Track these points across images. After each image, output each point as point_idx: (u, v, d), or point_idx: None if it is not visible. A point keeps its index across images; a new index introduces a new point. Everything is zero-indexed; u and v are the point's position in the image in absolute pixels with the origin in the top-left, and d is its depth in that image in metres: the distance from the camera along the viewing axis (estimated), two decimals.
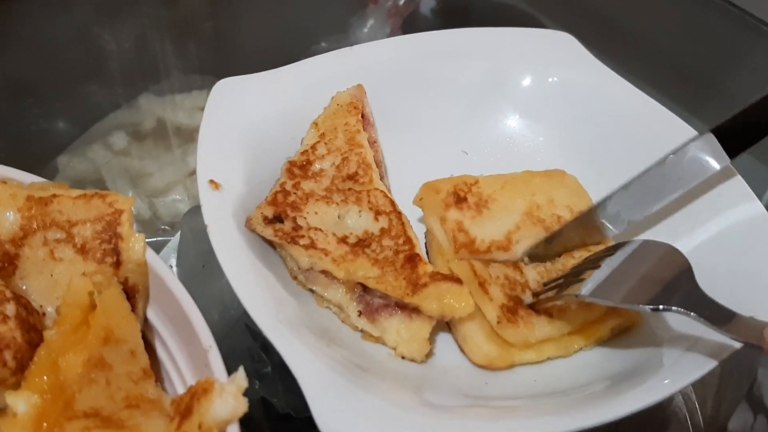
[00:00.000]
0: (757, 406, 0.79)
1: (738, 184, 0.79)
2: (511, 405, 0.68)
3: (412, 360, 0.71)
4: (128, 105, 1.09)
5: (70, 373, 0.56)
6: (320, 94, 0.85)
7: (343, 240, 0.75)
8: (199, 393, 0.54)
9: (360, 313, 0.73)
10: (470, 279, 0.74)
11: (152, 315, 0.65)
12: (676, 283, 0.66)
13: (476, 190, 0.80)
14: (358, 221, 0.77)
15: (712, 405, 0.82)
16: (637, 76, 0.92)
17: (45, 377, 0.56)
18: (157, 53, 1.13)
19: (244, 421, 0.55)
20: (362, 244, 0.75)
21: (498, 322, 0.71)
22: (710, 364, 0.63)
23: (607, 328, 0.73)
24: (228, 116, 0.80)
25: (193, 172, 1.00)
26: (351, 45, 0.90)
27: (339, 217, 0.77)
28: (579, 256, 0.78)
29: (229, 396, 0.53)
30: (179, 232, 0.91)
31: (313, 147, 0.81)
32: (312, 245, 0.74)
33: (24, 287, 0.63)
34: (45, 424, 0.54)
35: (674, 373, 0.64)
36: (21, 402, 0.54)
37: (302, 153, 0.81)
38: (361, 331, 0.74)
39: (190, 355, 0.61)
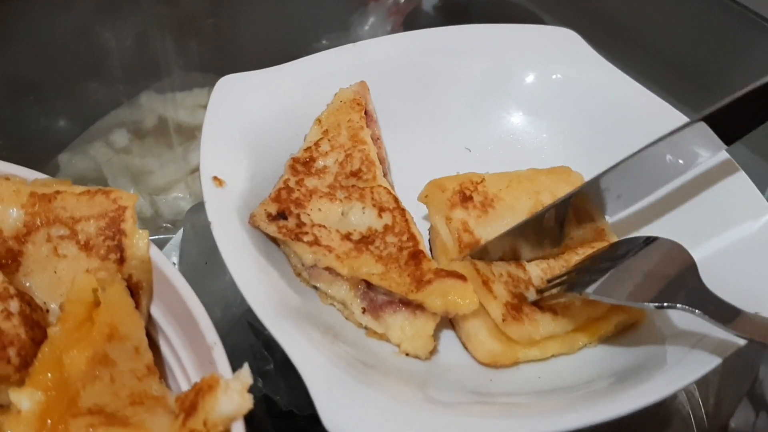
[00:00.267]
0: (759, 403, 0.79)
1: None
2: (515, 402, 0.68)
3: (416, 357, 0.71)
4: (129, 103, 1.09)
5: (74, 370, 0.56)
6: (323, 91, 0.85)
7: (347, 237, 0.75)
8: (204, 390, 0.54)
9: (364, 310, 0.73)
10: (474, 277, 0.73)
11: (156, 312, 0.64)
12: (681, 280, 0.65)
13: (482, 189, 0.80)
14: (362, 218, 0.77)
15: (714, 402, 0.82)
16: (639, 73, 0.92)
17: (49, 374, 0.56)
18: (158, 51, 1.13)
19: (247, 419, 0.55)
20: (366, 240, 0.75)
21: (503, 320, 0.71)
22: (714, 362, 0.63)
23: (611, 325, 0.73)
24: (230, 113, 0.80)
25: (195, 170, 1.01)
26: (352, 42, 0.90)
27: (342, 213, 0.77)
28: (582, 252, 0.78)
29: (234, 393, 0.53)
30: (181, 230, 0.91)
31: (317, 144, 0.81)
32: (316, 242, 0.73)
33: (27, 284, 0.62)
34: (49, 421, 0.54)
35: (678, 371, 0.64)
36: (25, 399, 0.54)
37: (305, 150, 0.81)
38: (365, 327, 0.74)
39: (195, 352, 0.61)
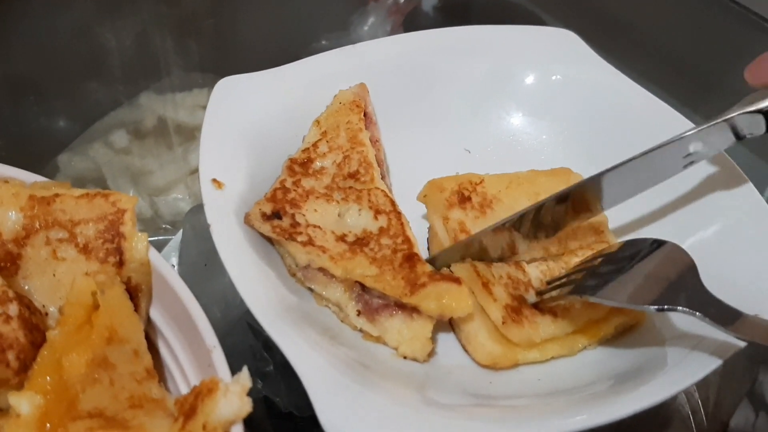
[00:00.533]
0: (759, 404, 0.79)
1: (740, 180, 0.79)
2: (515, 404, 0.68)
3: (415, 360, 0.71)
4: (129, 103, 1.09)
5: (74, 373, 0.56)
6: (322, 92, 0.85)
7: (342, 238, 0.75)
8: (203, 393, 0.54)
9: (359, 313, 0.73)
10: (473, 279, 0.73)
11: (155, 314, 0.64)
12: (681, 282, 0.65)
13: (481, 190, 0.80)
14: (358, 220, 0.76)
15: (714, 402, 0.82)
16: (639, 73, 0.92)
17: (48, 377, 0.55)
18: (158, 51, 1.13)
19: (247, 421, 0.55)
20: (361, 242, 0.75)
21: (503, 323, 0.71)
22: (714, 363, 0.63)
23: (611, 327, 0.73)
24: (230, 115, 0.79)
25: (195, 171, 1.00)
26: (352, 43, 0.90)
27: (339, 215, 0.77)
28: (582, 254, 0.78)
29: (234, 396, 0.53)
30: (181, 231, 0.91)
31: (315, 145, 0.81)
32: (310, 242, 0.73)
33: (26, 287, 0.62)
34: (48, 425, 0.54)
35: (679, 372, 0.64)
36: (24, 402, 0.54)
37: (303, 150, 0.81)
38: (361, 330, 0.73)
39: (194, 355, 0.61)
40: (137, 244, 0.64)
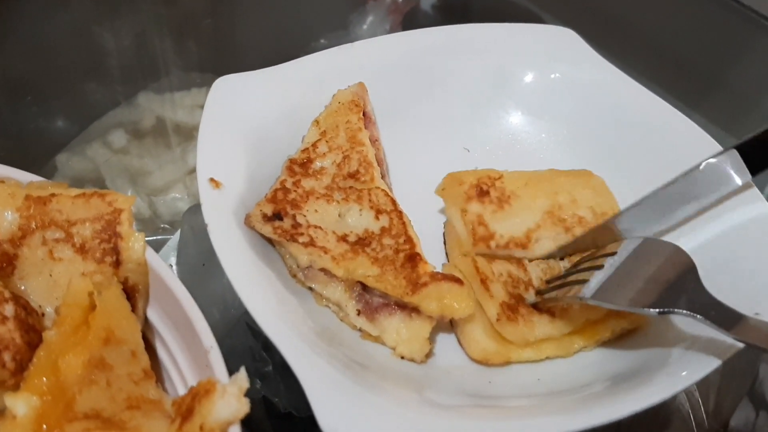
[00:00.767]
0: (759, 403, 0.79)
1: (741, 179, 0.77)
2: (514, 405, 0.68)
3: (412, 360, 0.71)
4: (127, 103, 1.09)
5: (70, 374, 0.56)
6: (321, 92, 0.84)
7: (343, 238, 0.75)
8: (200, 394, 0.54)
9: (359, 312, 0.73)
10: (472, 275, 0.73)
11: (153, 315, 0.64)
12: (681, 284, 0.65)
13: (499, 185, 0.80)
14: (359, 220, 0.76)
15: (714, 401, 0.82)
16: (639, 72, 0.91)
17: (45, 378, 0.55)
18: (156, 51, 1.13)
19: (246, 421, 0.55)
20: (362, 242, 0.75)
21: (497, 320, 0.71)
22: (714, 363, 0.63)
23: (608, 330, 0.73)
24: (228, 114, 0.79)
25: (193, 170, 1.00)
26: (351, 41, 0.89)
27: (339, 215, 0.77)
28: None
29: (231, 397, 0.53)
30: (179, 231, 0.90)
31: (314, 145, 0.81)
32: (311, 243, 0.73)
33: (23, 287, 0.62)
34: (45, 426, 0.54)
35: (678, 373, 0.63)
36: (21, 404, 0.54)
37: (303, 151, 0.81)
38: (360, 330, 0.73)
39: (191, 356, 0.61)
40: (134, 244, 0.64)
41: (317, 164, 0.80)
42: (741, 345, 0.62)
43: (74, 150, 1.04)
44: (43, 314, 0.62)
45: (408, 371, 0.70)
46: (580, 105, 0.90)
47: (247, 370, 0.55)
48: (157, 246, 0.91)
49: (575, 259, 0.77)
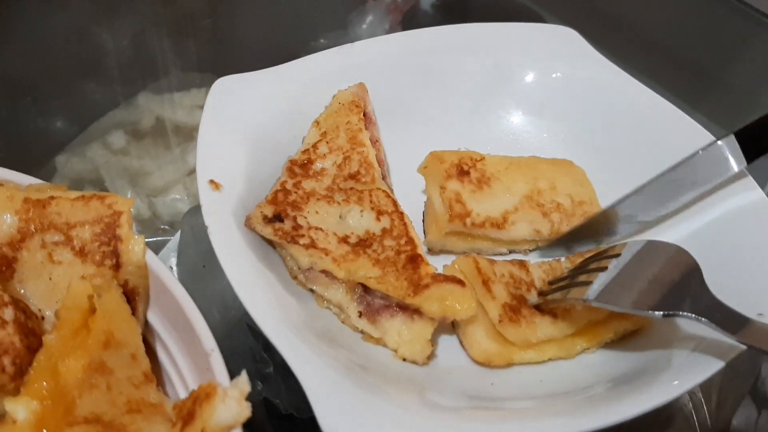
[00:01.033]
0: (761, 402, 0.79)
1: (741, 176, 0.78)
2: (516, 407, 0.68)
3: (414, 362, 0.71)
4: (127, 103, 1.09)
5: (71, 378, 0.55)
6: (321, 92, 0.84)
7: (344, 240, 0.75)
8: (201, 398, 0.54)
9: (360, 314, 0.72)
10: (474, 276, 0.73)
11: (153, 318, 0.64)
12: (686, 286, 0.65)
13: (481, 167, 0.81)
14: (360, 221, 0.76)
15: (716, 400, 0.81)
16: (639, 70, 0.91)
17: (44, 383, 0.55)
18: (156, 51, 1.12)
19: (247, 422, 0.54)
20: (363, 244, 0.74)
21: (499, 321, 0.71)
22: (717, 365, 0.63)
23: (611, 331, 0.73)
24: (228, 115, 0.79)
25: (193, 171, 1.00)
26: (350, 41, 0.89)
27: (340, 216, 0.76)
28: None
29: (232, 401, 0.53)
30: (179, 232, 0.90)
31: (315, 146, 0.81)
32: (312, 245, 0.73)
33: (22, 291, 0.62)
34: (45, 431, 0.53)
35: (682, 374, 0.63)
36: (20, 408, 0.53)
37: (303, 152, 0.81)
38: (361, 332, 0.73)
39: (192, 359, 0.61)
40: (134, 246, 0.63)
41: (318, 165, 0.80)
42: (743, 347, 0.62)
43: (74, 151, 1.04)
44: (42, 318, 0.61)
45: (410, 373, 0.70)
46: (581, 104, 0.89)
47: (248, 372, 0.55)
48: (157, 247, 0.91)
49: (577, 260, 0.77)
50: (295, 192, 0.77)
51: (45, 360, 0.56)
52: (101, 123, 1.07)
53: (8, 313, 0.57)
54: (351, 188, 0.78)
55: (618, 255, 0.70)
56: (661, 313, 0.63)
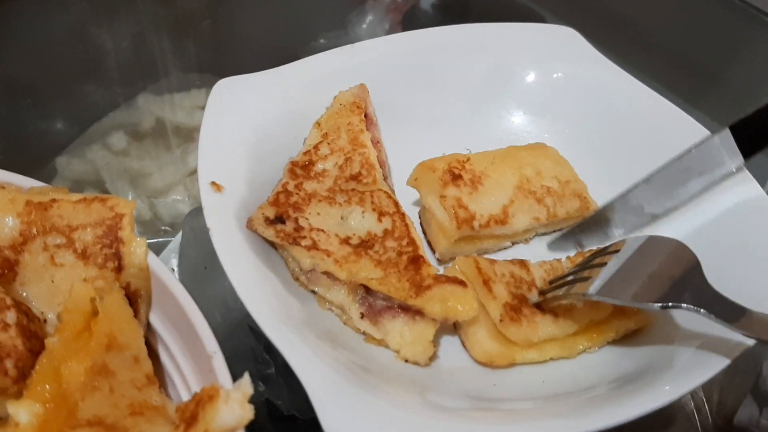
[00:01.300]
0: (763, 400, 0.79)
1: (741, 174, 0.79)
2: (519, 407, 0.68)
3: (416, 363, 0.71)
4: (127, 104, 1.09)
5: (73, 381, 0.55)
6: (322, 93, 0.84)
7: (346, 241, 0.75)
8: (204, 400, 0.54)
9: (362, 315, 0.72)
10: (475, 276, 0.73)
11: (155, 320, 0.64)
12: (685, 280, 0.65)
13: (469, 167, 0.82)
14: (362, 222, 0.76)
15: (718, 399, 0.82)
16: (640, 70, 0.91)
17: (47, 385, 0.55)
18: (156, 52, 1.12)
19: (249, 424, 0.54)
20: (365, 245, 0.74)
21: (500, 321, 0.71)
22: (721, 364, 0.63)
23: (612, 330, 0.73)
24: (229, 117, 0.79)
25: (194, 172, 1.00)
26: (350, 41, 0.89)
27: (342, 218, 0.76)
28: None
29: (235, 403, 0.53)
30: (180, 233, 0.90)
31: (316, 147, 0.81)
32: (314, 246, 0.73)
33: (24, 294, 0.62)
34: None
35: (685, 373, 0.63)
36: (23, 411, 0.53)
37: (305, 153, 0.81)
38: (364, 333, 0.73)
39: (194, 361, 0.61)
40: (136, 248, 0.63)
41: (319, 166, 0.80)
42: (750, 342, 0.62)
43: (74, 152, 1.03)
44: (45, 321, 0.61)
45: (412, 374, 0.70)
46: (582, 104, 0.90)
47: (250, 373, 0.55)
48: (158, 248, 0.91)
49: (577, 259, 0.77)
50: (297, 193, 0.77)
51: (47, 363, 0.56)
52: (101, 124, 1.07)
53: (11, 316, 0.57)
54: (352, 189, 0.78)
55: (618, 251, 0.70)
56: (659, 304, 0.63)
